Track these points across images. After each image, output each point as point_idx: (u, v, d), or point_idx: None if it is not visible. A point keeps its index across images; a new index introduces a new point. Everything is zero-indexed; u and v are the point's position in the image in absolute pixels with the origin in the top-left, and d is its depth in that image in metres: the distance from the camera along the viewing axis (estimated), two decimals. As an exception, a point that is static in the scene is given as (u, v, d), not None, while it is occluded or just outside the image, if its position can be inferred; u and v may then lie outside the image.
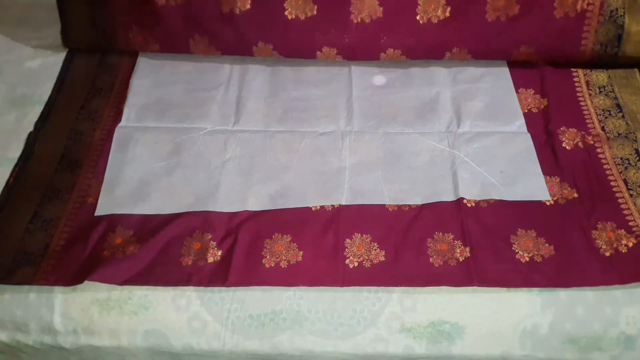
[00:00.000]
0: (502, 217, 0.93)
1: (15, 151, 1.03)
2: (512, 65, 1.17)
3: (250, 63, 1.18)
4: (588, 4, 1.08)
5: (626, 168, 0.99)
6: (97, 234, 0.91)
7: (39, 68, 1.19)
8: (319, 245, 0.90)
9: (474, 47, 1.13)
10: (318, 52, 1.14)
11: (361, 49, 1.14)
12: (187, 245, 0.90)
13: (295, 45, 1.14)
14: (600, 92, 1.12)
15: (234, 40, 1.13)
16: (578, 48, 1.12)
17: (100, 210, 0.94)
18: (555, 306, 0.84)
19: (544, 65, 1.17)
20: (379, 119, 1.09)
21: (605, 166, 1.00)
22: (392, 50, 1.13)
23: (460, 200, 0.95)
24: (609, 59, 1.13)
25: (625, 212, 0.94)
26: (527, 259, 0.88)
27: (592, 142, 1.04)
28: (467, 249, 0.89)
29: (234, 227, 0.92)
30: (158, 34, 1.14)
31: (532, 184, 0.98)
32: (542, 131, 1.07)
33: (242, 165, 1.01)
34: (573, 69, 1.16)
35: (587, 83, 1.14)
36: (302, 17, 1.10)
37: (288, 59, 1.18)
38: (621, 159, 1.01)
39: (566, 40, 1.12)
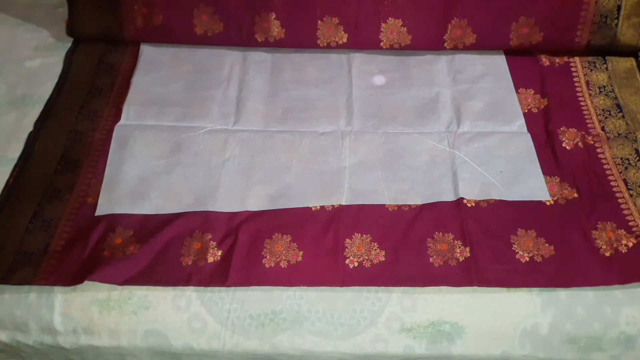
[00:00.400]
0: (502, 217, 0.93)
1: (15, 151, 1.02)
2: (512, 65, 1.17)
3: (251, 63, 1.18)
4: None
5: (626, 168, 0.99)
6: (97, 234, 0.91)
7: (39, 68, 1.19)
8: (319, 245, 0.90)
9: (474, 17, 1.14)
10: (319, 22, 1.15)
11: (362, 17, 1.15)
12: (187, 245, 0.90)
13: (297, 14, 1.15)
14: (600, 92, 1.12)
15: (238, 9, 1.15)
16: (578, 20, 1.13)
17: (100, 210, 0.94)
18: (555, 306, 0.84)
19: (543, 55, 1.17)
20: (379, 119, 1.09)
21: (605, 166, 1.00)
22: (393, 20, 1.14)
23: (460, 200, 0.95)
24: (609, 31, 1.14)
25: (625, 212, 0.94)
26: (527, 259, 0.88)
27: (592, 142, 1.04)
28: (467, 249, 0.89)
29: (234, 227, 0.92)
30: (162, 1, 1.15)
31: (532, 184, 0.98)
32: (542, 131, 1.07)
33: (242, 165, 1.01)
34: (573, 67, 1.17)
35: (587, 83, 1.14)
36: None
37: (288, 54, 1.19)
38: (621, 159, 1.01)
39: (566, 11, 1.13)
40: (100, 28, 1.20)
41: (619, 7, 1.12)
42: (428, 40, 1.18)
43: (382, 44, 1.17)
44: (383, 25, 1.15)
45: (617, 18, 1.13)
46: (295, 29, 1.17)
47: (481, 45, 1.18)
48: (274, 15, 1.15)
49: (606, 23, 1.13)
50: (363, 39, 1.18)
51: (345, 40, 1.17)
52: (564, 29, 1.15)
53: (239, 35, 1.18)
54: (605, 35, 1.15)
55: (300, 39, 1.18)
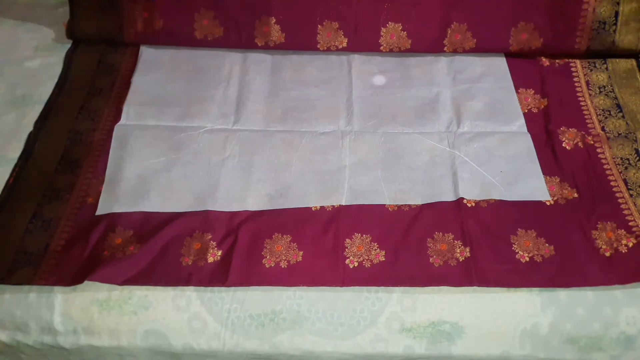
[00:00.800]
0: (502, 217, 0.93)
1: (15, 151, 1.03)
2: (512, 65, 1.17)
3: (251, 63, 1.18)
4: None
5: (626, 168, 1.00)
6: (97, 234, 0.91)
7: (39, 68, 1.19)
8: (319, 245, 0.90)
9: (474, 22, 1.14)
10: (319, 26, 1.15)
11: (362, 21, 1.15)
12: (187, 245, 0.90)
13: (297, 18, 1.15)
14: (600, 92, 1.13)
15: (238, 13, 1.15)
16: (576, 27, 1.13)
17: (100, 210, 0.94)
18: (555, 306, 0.84)
19: (542, 57, 1.17)
20: (379, 119, 1.09)
21: (605, 166, 1.00)
22: (392, 24, 1.14)
23: (460, 200, 0.95)
24: (607, 37, 1.14)
25: (625, 212, 0.94)
26: (527, 259, 0.88)
27: (592, 142, 1.04)
28: (467, 249, 0.89)
29: (234, 227, 0.92)
30: (164, 6, 1.15)
31: (532, 184, 0.98)
32: (542, 131, 1.07)
33: (241, 164, 1.01)
34: (573, 67, 1.17)
35: (587, 83, 1.14)
36: None
37: (288, 55, 1.19)
38: (621, 159, 1.01)
39: (565, 17, 1.13)
40: (101, 31, 1.20)
41: (616, 14, 1.12)
42: (428, 44, 1.18)
43: (381, 48, 1.17)
44: (383, 29, 1.15)
45: (615, 24, 1.13)
46: (295, 33, 1.17)
47: (481, 50, 1.18)
48: (274, 20, 1.15)
49: (605, 29, 1.13)
50: (363, 43, 1.18)
51: (345, 44, 1.17)
52: (563, 34, 1.15)
53: (239, 39, 1.18)
54: (604, 41, 1.15)
55: (300, 43, 1.18)
